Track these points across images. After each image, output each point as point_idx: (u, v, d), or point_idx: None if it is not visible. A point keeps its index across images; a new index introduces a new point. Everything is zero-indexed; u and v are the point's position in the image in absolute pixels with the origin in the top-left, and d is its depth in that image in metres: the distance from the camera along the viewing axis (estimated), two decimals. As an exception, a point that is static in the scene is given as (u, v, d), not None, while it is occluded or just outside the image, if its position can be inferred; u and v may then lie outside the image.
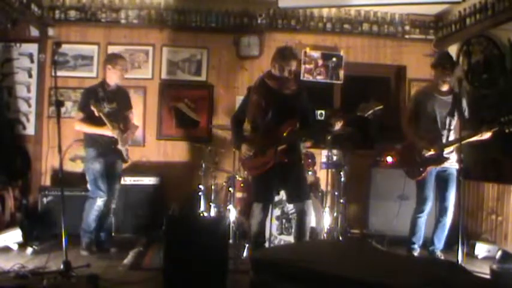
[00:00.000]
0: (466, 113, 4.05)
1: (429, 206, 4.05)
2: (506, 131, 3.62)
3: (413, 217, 4.10)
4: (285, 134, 3.60)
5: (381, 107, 3.41)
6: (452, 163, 4.02)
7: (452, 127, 4.02)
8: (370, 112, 3.39)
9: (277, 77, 3.64)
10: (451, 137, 4.01)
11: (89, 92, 4.13)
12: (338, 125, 3.51)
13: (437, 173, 4.05)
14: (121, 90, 4.35)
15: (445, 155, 3.94)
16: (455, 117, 4.01)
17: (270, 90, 3.64)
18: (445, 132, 4.02)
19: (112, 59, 4.22)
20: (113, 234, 4.56)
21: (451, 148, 3.98)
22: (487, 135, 3.70)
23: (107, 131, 4.02)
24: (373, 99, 3.42)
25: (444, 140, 4.00)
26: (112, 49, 5.43)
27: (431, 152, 3.94)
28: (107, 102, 4.10)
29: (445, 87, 4.04)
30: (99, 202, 4.08)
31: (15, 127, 5.34)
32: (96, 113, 3.91)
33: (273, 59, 3.69)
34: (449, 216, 4.00)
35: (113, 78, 4.18)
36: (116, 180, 4.28)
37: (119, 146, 4.14)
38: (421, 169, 4.00)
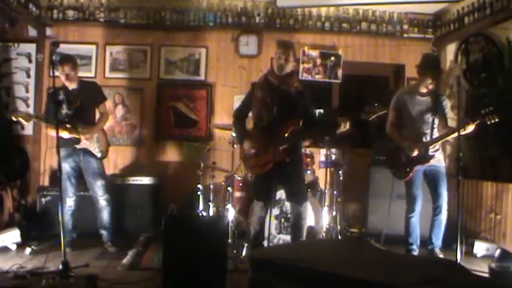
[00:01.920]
0: (445, 111, 4.04)
1: (419, 204, 4.06)
2: (488, 122, 3.64)
3: (406, 218, 4.10)
4: (286, 134, 3.60)
5: (385, 111, 3.43)
6: (439, 161, 4.04)
7: (435, 125, 4.02)
8: (374, 116, 3.41)
9: (279, 74, 3.65)
10: (435, 135, 4.01)
11: (49, 96, 4.08)
12: (345, 126, 3.53)
13: (424, 171, 4.05)
14: (87, 87, 4.30)
15: (430, 153, 3.95)
16: (438, 116, 4.01)
17: (273, 86, 3.66)
18: (428, 131, 4.02)
19: (57, 62, 4.06)
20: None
21: (437, 146, 4.00)
22: (470, 128, 3.70)
23: (65, 134, 4.01)
24: (378, 104, 3.44)
25: (428, 139, 4.00)
26: (110, 49, 5.45)
27: (416, 152, 3.94)
28: (67, 104, 4.08)
29: (425, 90, 4.04)
30: (69, 202, 4.15)
31: (14, 127, 5.31)
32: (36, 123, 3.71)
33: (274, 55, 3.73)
34: (444, 213, 3.99)
35: (63, 79, 4.13)
36: (96, 178, 4.25)
37: (85, 145, 4.14)
38: (407, 169, 4.01)
